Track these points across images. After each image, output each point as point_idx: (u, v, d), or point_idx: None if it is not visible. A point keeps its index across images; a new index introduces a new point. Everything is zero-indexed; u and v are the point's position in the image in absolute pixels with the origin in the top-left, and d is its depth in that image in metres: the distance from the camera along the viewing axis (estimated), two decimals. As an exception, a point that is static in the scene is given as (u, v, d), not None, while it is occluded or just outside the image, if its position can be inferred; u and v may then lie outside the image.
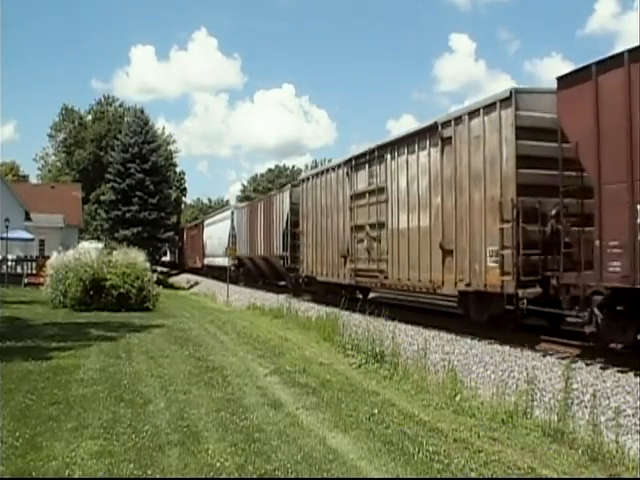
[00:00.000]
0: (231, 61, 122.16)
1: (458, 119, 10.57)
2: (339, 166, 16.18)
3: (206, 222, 40.12)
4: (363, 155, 14.60)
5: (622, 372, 7.27)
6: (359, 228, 14.52)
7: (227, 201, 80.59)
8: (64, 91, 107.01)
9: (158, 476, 4.24)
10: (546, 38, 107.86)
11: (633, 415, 5.98)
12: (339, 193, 15.94)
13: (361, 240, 14.38)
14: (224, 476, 4.27)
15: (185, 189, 64.33)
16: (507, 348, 9.13)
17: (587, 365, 7.71)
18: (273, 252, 22.55)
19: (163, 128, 59.96)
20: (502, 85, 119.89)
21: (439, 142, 11.04)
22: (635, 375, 7.06)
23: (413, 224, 12.00)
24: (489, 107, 9.73)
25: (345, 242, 15.36)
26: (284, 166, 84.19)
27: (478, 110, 10.02)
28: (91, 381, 7.17)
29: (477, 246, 9.91)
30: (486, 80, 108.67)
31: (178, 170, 60.52)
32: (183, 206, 69.18)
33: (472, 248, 10.03)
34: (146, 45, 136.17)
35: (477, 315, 10.68)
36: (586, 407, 6.26)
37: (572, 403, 6.23)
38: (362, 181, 14.56)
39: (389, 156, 13.13)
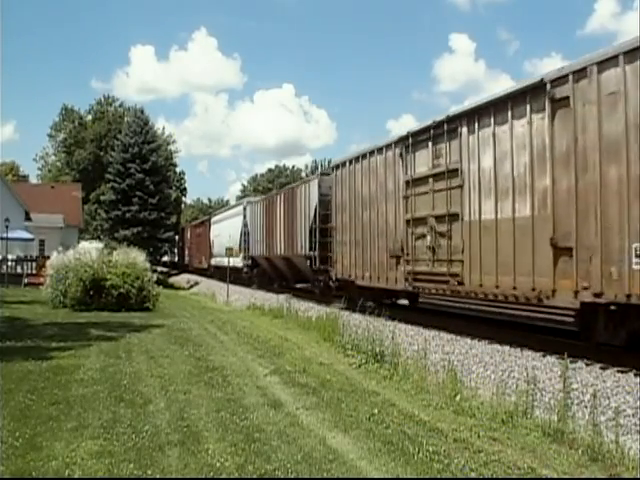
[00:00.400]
0: (231, 61, 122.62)
1: (580, 72, 7.95)
2: (389, 146, 13.13)
3: (213, 219, 37.06)
4: (425, 130, 11.61)
5: (622, 372, 7.28)
6: (419, 221, 11.74)
7: (227, 201, 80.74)
8: (64, 91, 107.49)
9: (158, 476, 4.24)
10: (546, 38, 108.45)
11: (633, 415, 5.98)
12: (388, 179, 13.06)
13: (422, 236, 11.62)
14: (224, 476, 4.27)
15: (185, 189, 64.57)
16: (507, 348, 9.13)
17: (587, 365, 7.72)
18: (296, 251, 19.67)
19: (163, 128, 60.38)
20: (502, 85, 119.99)
21: (547, 105, 8.45)
22: (635, 375, 7.07)
23: (504, 214, 9.34)
24: (635, 52, 7.15)
25: (398, 239, 12.52)
26: (284, 166, 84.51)
27: (615, 57, 7.42)
28: (91, 381, 7.17)
29: (614, 242, 7.43)
30: (486, 80, 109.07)
31: (178, 170, 60.76)
32: (183, 206, 69.29)
33: (605, 245, 7.57)
34: (146, 45, 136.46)
35: (608, 335, 8.09)
36: (586, 407, 6.26)
37: (572, 403, 6.24)
38: (423, 163, 11.68)
39: (465, 129, 10.37)
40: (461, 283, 10.45)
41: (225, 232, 31.68)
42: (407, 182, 12.23)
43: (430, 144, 11.44)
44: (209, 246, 36.29)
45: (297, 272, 21.17)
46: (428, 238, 11.39)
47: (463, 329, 10.78)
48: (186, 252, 48.14)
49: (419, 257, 11.81)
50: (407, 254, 12.18)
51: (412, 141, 12.08)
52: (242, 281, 27.61)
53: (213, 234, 35.58)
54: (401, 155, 12.54)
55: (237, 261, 27.63)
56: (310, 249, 18.06)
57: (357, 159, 14.92)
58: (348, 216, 15.29)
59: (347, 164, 15.51)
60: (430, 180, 11.39)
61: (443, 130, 11.00)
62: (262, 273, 26.30)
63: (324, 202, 17.45)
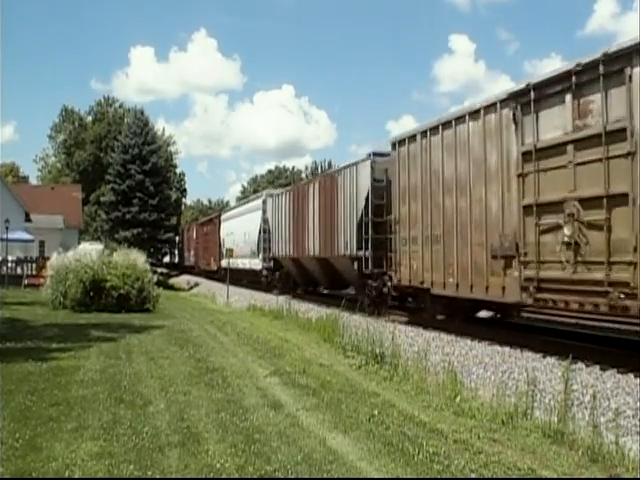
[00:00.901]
0: (231, 62, 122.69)
1: None
2: (490, 107, 9.84)
3: (224, 216, 33.77)
4: (560, 79, 8.30)
5: (622, 373, 7.28)
6: (548, 207, 8.53)
7: (227, 202, 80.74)
8: (64, 92, 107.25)
9: (158, 477, 4.24)
10: (545, 38, 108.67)
11: (633, 416, 5.99)
12: (489, 152, 9.82)
13: (554, 228, 8.41)
14: (224, 477, 4.27)
15: (185, 190, 64.61)
16: (507, 349, 9.13)
17: (587, 366, 7.71)
18: (338, 252, 16.19)
19: (163, 129, 60.34)
20: (502, 85, 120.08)
21: None
22: (635, 376, 7.06)
23: None
24: None
25: (508, 233, 9.34)
26: (284, 167, 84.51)
27: None
28: (91, 382, 7.17)
29: None
30: (486, 80, 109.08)
31: (178, 171, 60.81)
32: (183, 207, 69.32)
33: None
34: (145, 46, 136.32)
35: None
36: (586, 408, 6.27)
37: (572, 404, 6.24)
38: (555, 125, 8.44)
39: (637, 70, 7.20)
40: (632, 296, 7.24)
41: (239, 230, 28.23)
42: (525, 154, 9.01)
43: (569, 97, 8.23)
44: (219, 246, 32.85)
45: (335, 276, 17.81)
46: (565, 231, 8.20)
47: (463, 330, 10.78)
48: (191, 253, 45.22)
49: (547, 258, 8.59)
50: (525, 253, 8.99)
51: (535, 96, 8.77)
52: (258, 286, 24.93)
53: (224, 232, 32.31)
54: (514, 117, 9.24)
55: (255, 263, 24.95)
56: (359, 248, 14.70)
57: (434, 130, 11.46)
58: (420, 205, 11.90)
59: (418, 137, 12.03)
60: (569, 149, 8.20)
61: (596, 75, 7.76)
62: (286, 277, 22.62)
63: (378, 189, 14.17)
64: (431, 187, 11.53)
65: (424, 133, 11.84)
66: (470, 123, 10.35)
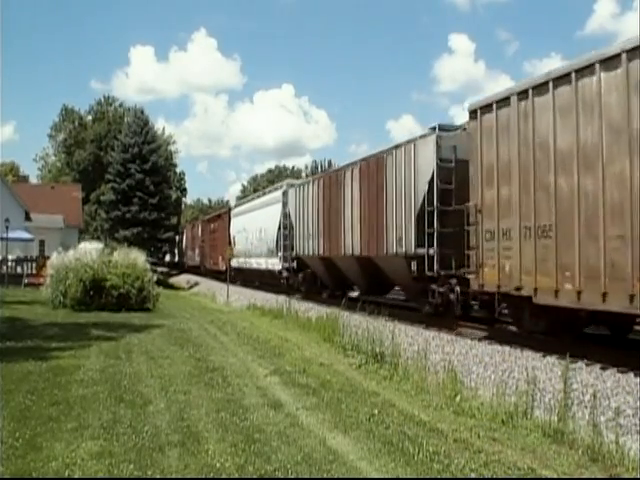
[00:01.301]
0: (231, 62, 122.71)
1: None
2: (637, 50, 7.11)
3: (235, 211, 31.04)
4: None
5: (622, 372, 7.27)
6: None
7: (227, 201, 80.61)
8: (64, 91, 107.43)
9: (158, 476, 4.24)
10: (545, 39, 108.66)
11: (633, 415, 5.98)
12: (636, 112, 7.11)
13: None
14: (224, 476, 4.27)
15: (185, 189, 64.62)
16: (507, 348, 9.13)
17: (587, 365, 7.71)
18: (387, 249, 13.26)
19: (163, 129, 60.21)
20: (501, 85, 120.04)
21: None
22: (635, 375, 7.06)
23: None
24: None
25: None
26: (284, 166, 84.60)
27: None
28: (91, 382, 7.17)
29: None
30: (485, 80, 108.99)
31: (178, 170, 60.80)
32: (183, 206, 69.34)
33: None
34: (145, 46, 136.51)
35: None
36: (586, 407, 6.26)
37: (572, 403, 6.24)
38: None
39: None
40: None
41: (253, 226, 25.36)
42: None
43: None
44: (229, 244, 30.11)
45: (377, 279, 15.01)
46: None
47: (463, 329, 10.76)
48: (196, 252, 42.35)
49: None
50: None
51: None
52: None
53: (235, 229, 29.52)
54: None
55: (273, 262, 22.59)
56: (419, 245, 11.91)
57: (540, 88, 8.69)
58: (516, 187, 9.18)
59: (513, 100, 9.23)
60: None
61: None
62: (311, 278, 19.61)
63: (445, 171, 11.45)
64: (535, 163, 8.82)
65: (523, 94, 9.02)
66: (602, 74, 7.61)
